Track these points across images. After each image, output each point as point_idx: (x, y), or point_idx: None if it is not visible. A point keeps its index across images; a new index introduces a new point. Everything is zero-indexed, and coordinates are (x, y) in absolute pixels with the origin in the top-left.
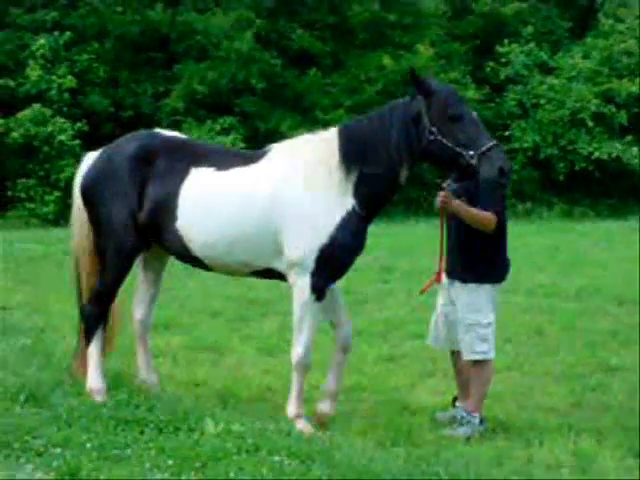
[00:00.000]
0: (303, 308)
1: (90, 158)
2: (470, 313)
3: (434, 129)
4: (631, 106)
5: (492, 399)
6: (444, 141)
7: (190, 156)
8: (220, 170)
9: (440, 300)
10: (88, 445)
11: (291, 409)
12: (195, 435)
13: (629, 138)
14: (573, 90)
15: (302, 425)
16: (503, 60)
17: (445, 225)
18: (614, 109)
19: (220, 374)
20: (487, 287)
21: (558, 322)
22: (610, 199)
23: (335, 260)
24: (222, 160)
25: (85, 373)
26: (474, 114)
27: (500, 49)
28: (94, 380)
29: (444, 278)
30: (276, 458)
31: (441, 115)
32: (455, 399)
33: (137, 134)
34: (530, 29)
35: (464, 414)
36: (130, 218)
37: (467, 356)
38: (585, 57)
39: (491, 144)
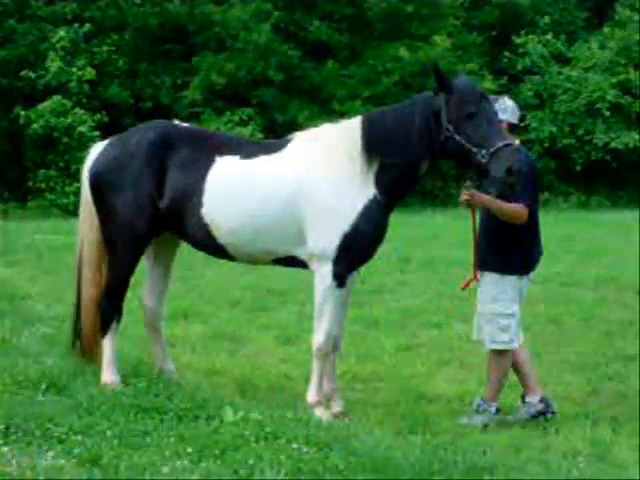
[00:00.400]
0: (324, 295)
1: (98, 148)
2: (491, 303)
3: (450, 127)
4: None
5: (509, 387)
6: (458, 139)
7: (213, 145)
8: (245, 158)
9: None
10: (109, 433)
11: (311, 396)
12: (214, 423)
13: None
14: (590, 80)
15: (321, 413)
16: (520, 51)
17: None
18: (630, 99)
19: (238, 363)
20: (511, 278)
21: (575, 312)
22: (626, 189)
23: (357, 248)
24: (246, 149)
25: (90, 355)
26: (493, 112)
27: (517, 40)
28: (109, 374)
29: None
30: (294, 446)
31: (458, 113)
32: (524, 396)
33: (153, 123)
34: (547, 19)
35: (481, 402)
36: (147, 205)
37: (488, 346)
38: (602, 47)
39: (502, 144)
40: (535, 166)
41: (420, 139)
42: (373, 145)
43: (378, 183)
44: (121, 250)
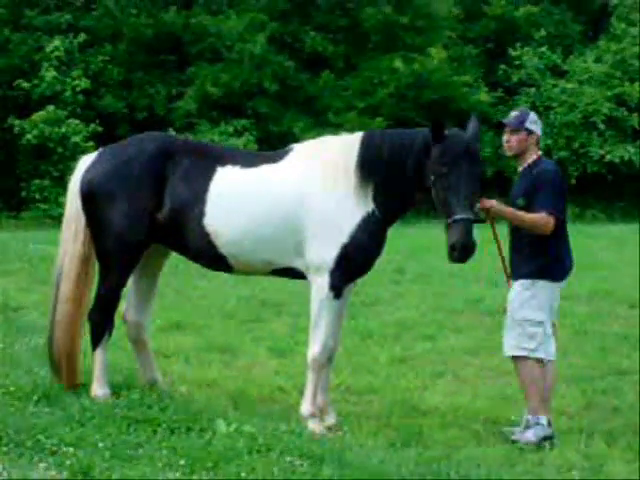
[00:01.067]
0: (321, 306)
1: (88, 159)
2: (521, 310)
3: (432, 177)
4: None
5: (504, 400)
6: (432, 192)
7: (213, 156)
8: (246, 168)
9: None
10: (101, 444)
11: (305, 407)
12: (207, 435)
13: None
14: (585, 93)
15: (314, 425)
16: (516, 63)
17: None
18: (626, 112)
19: (232, 375)
20: (542, 283)
21: (569, 325)
22: (622, 202)
23: (354, 260)
24: (247, 159)
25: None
26: (469, 174)
27: (512, 52)
28: (99, 387)
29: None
30: (287, 458)
31: (435, 167)
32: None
33: (150, 134)
34: (542, 32)
35: (529, 417)
36: (144, 216)
37: (511, 351)
38: (597, 60)
39: (457, 217)
40: (560, 174)
41: (411, 176)
42: (368, 166)
43: (375, 199)
44: (115, 261)
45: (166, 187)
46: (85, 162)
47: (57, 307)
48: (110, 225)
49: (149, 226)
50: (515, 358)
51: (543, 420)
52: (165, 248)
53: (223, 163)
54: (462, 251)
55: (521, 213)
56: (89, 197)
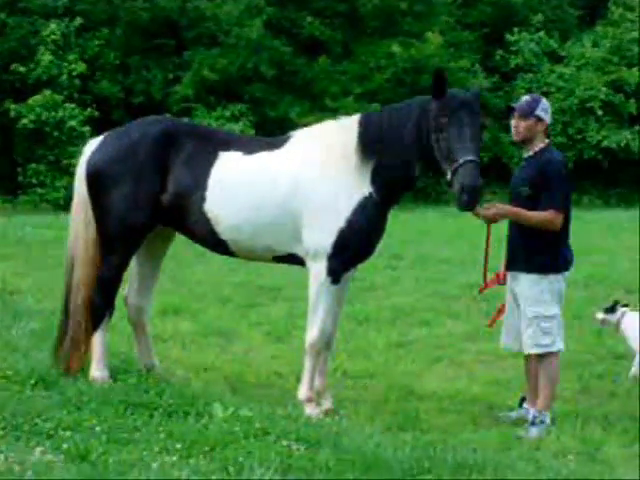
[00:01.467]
0: (319, 291)
1: (93, 144)
2: (533, 305)
3: (432, 135)
4: None
5: (501, 386)
6: (434, 149)
7: (216, 140)
8: (247, 154)
9: (506, 299)
10: (98, 428)
11: (302, 392)
12: (204, 419)
13: (638, 127)
14: (582, 78)
15: (311, 409)
16: (513, 48)
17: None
18: (623, 98)
19: (228, 359)
20: (550, 278)
21: (566, 310)
22: (618, 188)
23: (352, 244)
24: (247, 145)
25: (73, 362)
26: (470, 124)
27: (510, 37)
28: (98, 369)
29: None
30: (284, 443)
31: (435, 122)
32: (523, 399)
33: (154, 118)
34: (540, 17)
35: (536, 414)
36: (147, 199)
37: (529, 349)
38: (595, 46)
39: (462, 160)
40: (566, 165)
41: (412, 141)
42: (368, 145)
43: (374, 182)
44: (117, 244)
45: (170, 171)
46: (91, 146)
47: (72, 293)
48: (114, 207)
49: (153, 209)
50: (535, 356)
51: (547, 418)
52: (169, 233)
53: (225, 148)
54: (471, 193)
55: (527, 213)
56: (94, 180)
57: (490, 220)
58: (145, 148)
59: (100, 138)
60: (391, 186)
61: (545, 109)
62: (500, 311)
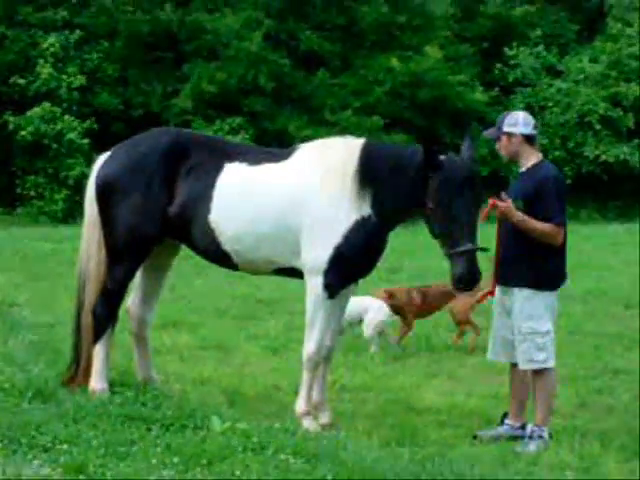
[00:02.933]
0: (315, 305)
1: (101, 159)
2: (527, 321)
3: (430, 204)
4: (638, 109)
5: (498, 400)
6: (431, 220)
7: (222, 151)
8: (252, 165)
9: (495, 312)
10: (95, 442)
11: (299, 406)
12: (201, 433)
13: (636, 141)
14: (581, 93)
15: (309, 423)
16: (511, 63)
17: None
18: (621, 112)
19: (226, 372)
20: (545, 294)
21: (564, 325)
22: (617, 202)
23: (348, 261)
24: (253, 156)
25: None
26: (471, 203)
27: (508, 52)
28: (98, 381)
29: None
30: (282, 457)
31: (436, 196)
32: (505, 415)
33: (162, 130)
34: (538, 32)
35: (534, 428)
36: (156, 211)
37: (524, 365)
38: (593, 60)
39: (461, 249)
40: (562, 179)
41: (409, 191)
42: (366, 175)
43: (373, 206)
44: (125, 255)
45: (177, 182)
46: (100, 161)
47: (82, 311)
48: (123, 219)
49: (161, 221)
50: (531, 372)
51: (545, 433)
52: (175, 247)
53: (231, 160)
54: (469, 283)
55: (534, 222)
56: (104, 192)
57: (500, 216)
58: (154, 160)
59: (108, 153)
60: (388, 214)
61: (513, 123)
62: (491, 293)
